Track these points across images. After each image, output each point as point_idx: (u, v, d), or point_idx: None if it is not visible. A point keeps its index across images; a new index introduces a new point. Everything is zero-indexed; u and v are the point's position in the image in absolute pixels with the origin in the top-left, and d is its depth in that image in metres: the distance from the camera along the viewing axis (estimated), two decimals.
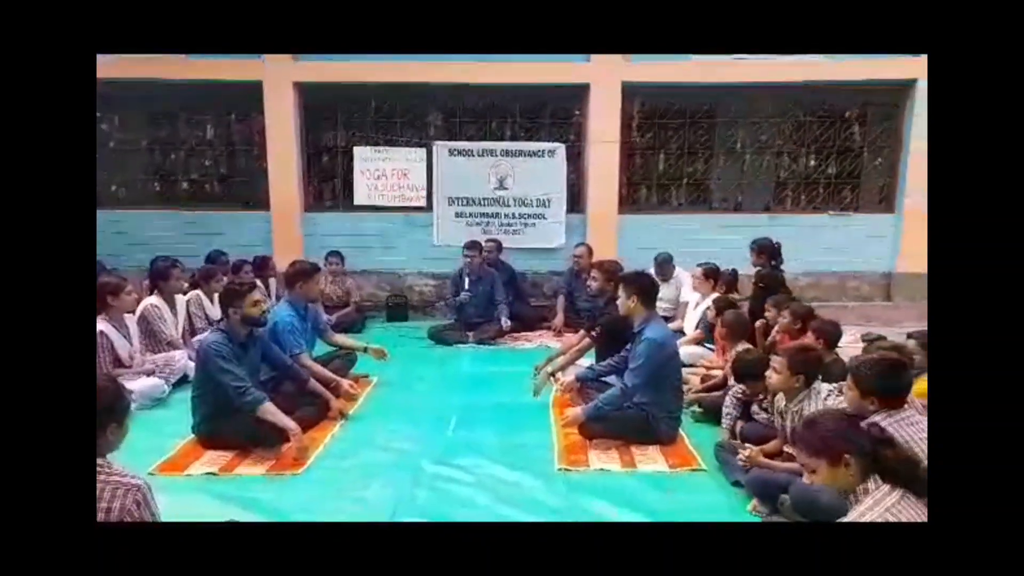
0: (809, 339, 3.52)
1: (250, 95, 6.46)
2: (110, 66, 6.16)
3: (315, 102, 6.72)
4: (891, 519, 1.63)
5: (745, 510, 2.77)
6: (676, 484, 3.04)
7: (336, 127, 6.83)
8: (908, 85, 6.43)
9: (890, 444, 1.77)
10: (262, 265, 5.95)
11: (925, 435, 2.29)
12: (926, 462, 1.78)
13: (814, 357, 2.84)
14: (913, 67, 6.32)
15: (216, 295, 4.89)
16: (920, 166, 6.46)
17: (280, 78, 6.38)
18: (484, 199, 6.74)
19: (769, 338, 4.47)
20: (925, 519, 1.64)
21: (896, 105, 6.63)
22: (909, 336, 3.40)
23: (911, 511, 1.65)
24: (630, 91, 6.50)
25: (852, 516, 1.70)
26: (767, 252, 5.30)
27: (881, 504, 1.67)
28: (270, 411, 3.23)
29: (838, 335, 3.59)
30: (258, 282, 4.37)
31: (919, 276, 6.65)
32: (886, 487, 1.72)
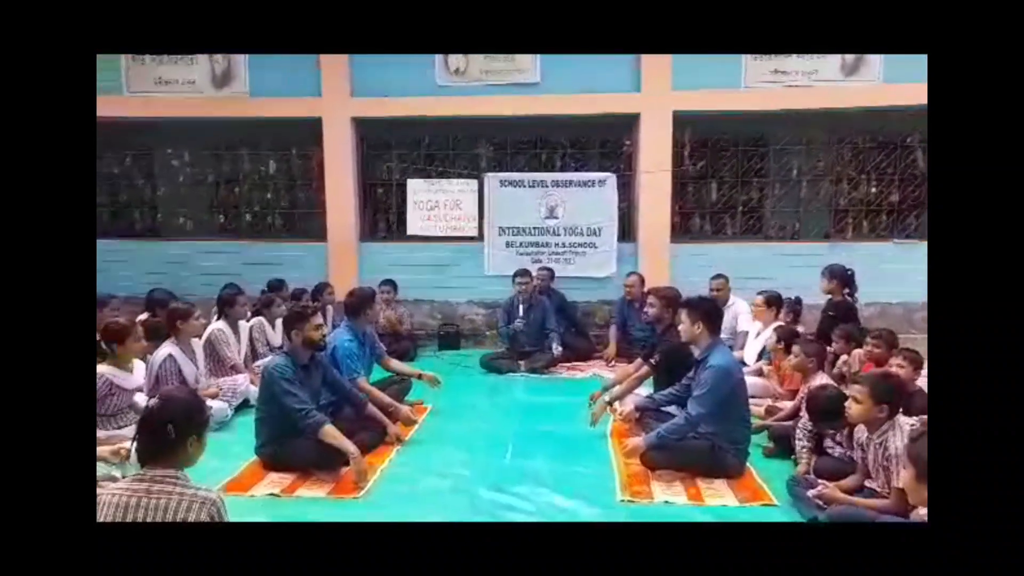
0: (893, 366, 3.34)
1: (310, 130, 6.72)
2: (174, 104, 6.65)
3: (371, 136, 6.94)
4: None
5: None
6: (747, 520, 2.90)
7: (391, 160, 7.03)
8: None
9: None
10: (319, 292, 6.09)
11: None
12: None
13: (897, 383, 2.70)
14: None
15: (278, 321, 5.04)
16: None
17: (338, 114, 6.62)
18: (534, 228, 6.77)
19: (835, 368, 4.28)
20: None
21: None
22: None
23: None
24: (680, 120, 6.48)
25: None
26: (840, 279, 5.06)
27: None
28: (331, 434, 3.24)
29: (922, 361, 3.40)
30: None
31: None
32: None
